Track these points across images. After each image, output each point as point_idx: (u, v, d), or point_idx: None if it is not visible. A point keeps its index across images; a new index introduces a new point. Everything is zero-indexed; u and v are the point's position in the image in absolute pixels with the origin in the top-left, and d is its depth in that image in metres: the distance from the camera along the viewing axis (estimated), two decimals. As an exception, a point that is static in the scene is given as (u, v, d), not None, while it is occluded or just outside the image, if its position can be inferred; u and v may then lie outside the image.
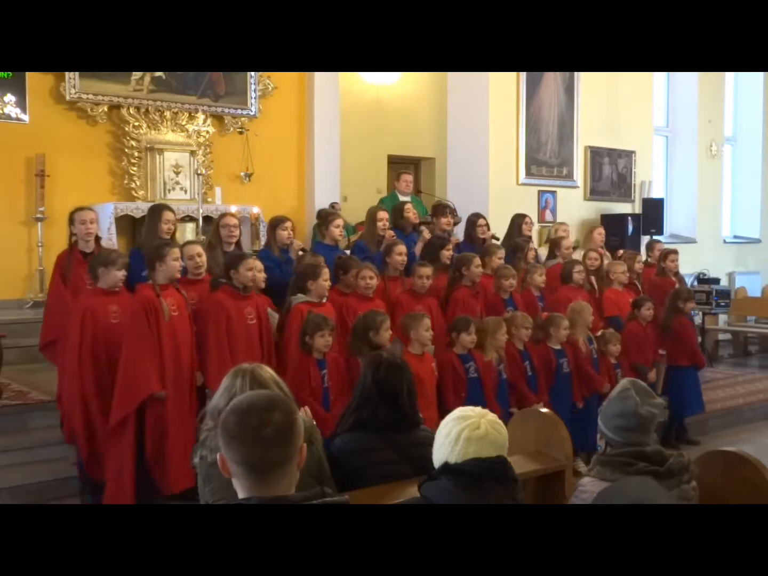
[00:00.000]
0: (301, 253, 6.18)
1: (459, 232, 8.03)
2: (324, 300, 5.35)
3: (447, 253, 6.41)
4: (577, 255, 7.97)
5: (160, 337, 4.83)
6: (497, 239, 7.52)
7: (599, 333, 6.44)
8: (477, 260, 6.16)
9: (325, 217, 6.90)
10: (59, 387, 5.29)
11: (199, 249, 5.39)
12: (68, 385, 4.93)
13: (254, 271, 5.16)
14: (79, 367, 4.84)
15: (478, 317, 5.89)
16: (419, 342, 5.23)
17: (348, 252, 6.80)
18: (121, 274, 4.92)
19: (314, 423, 3.27)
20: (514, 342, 5.84)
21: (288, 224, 6.22)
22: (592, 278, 7.19)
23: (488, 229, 7.45)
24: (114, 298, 4.96)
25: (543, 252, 8.07)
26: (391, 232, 6.78)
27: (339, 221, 6.60)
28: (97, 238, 5.53)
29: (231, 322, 5.03)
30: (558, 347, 6.06)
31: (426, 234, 7.14)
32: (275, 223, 6.25)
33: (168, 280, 4.96)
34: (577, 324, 6.17)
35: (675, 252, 7.84)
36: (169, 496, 4.76)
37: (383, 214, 6.77)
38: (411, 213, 7.19)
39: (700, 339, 8.35)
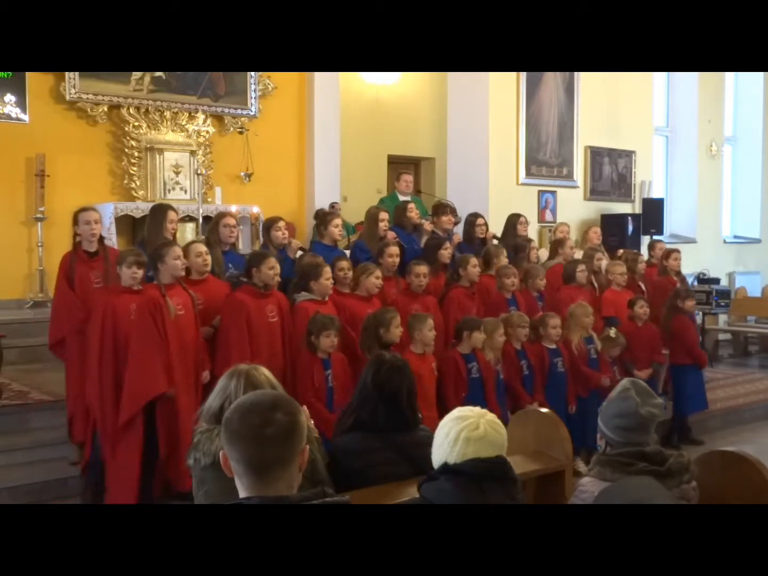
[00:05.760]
0: (300, 253, 6.17)
1: (459, 232, 8.01)
2: (326, 299, 5.38)
3: (445, 253, 6.39)
4: (576, 254, 7.96)
5: (167, 335, 4.84)
6: (498, 239, 7.51)
7: (612, 334, 6.41)
8: (474, 261, 6.16)
9: (324, 217, 6.88)
10: (71, 385, 5.27)
11: (205, 247, 5.43)
12: (90, 380, 4.92)
13: (276, 269, 5.20)
14: (100, 364, 4.84)
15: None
16: (422, 342, 5.25)
17: (347, 252, 6.79)
18: (131, 271, 4.91)
19: (311, 423, 3.27)
20: (511, 342, 5.85)
21: (281, 224, 6.23)
22: (592, 277, 7.18)
23: (487, 229, 7.44)
24: (134, 296, 4.94)
25: (543, 253, 8.07)
26: (393, 233, 6.77)
27: (338, 221, 6.59)
28: (101, 238, 5.54)
29: (252, 320, 5.05)
30: (552, 346, 6.06)
31: (427, 226, 7.14)
32: (269, 224, 6.27)
33: (172, 279, 4.98)
34: (570, 326, 6.17)
35: (677, 251, 7.83)
36: (172, 496, 4.76)
37: (385, 215, 6.76)
38: (414, 213, 7.19)
39: (700, 339, 8.34)
